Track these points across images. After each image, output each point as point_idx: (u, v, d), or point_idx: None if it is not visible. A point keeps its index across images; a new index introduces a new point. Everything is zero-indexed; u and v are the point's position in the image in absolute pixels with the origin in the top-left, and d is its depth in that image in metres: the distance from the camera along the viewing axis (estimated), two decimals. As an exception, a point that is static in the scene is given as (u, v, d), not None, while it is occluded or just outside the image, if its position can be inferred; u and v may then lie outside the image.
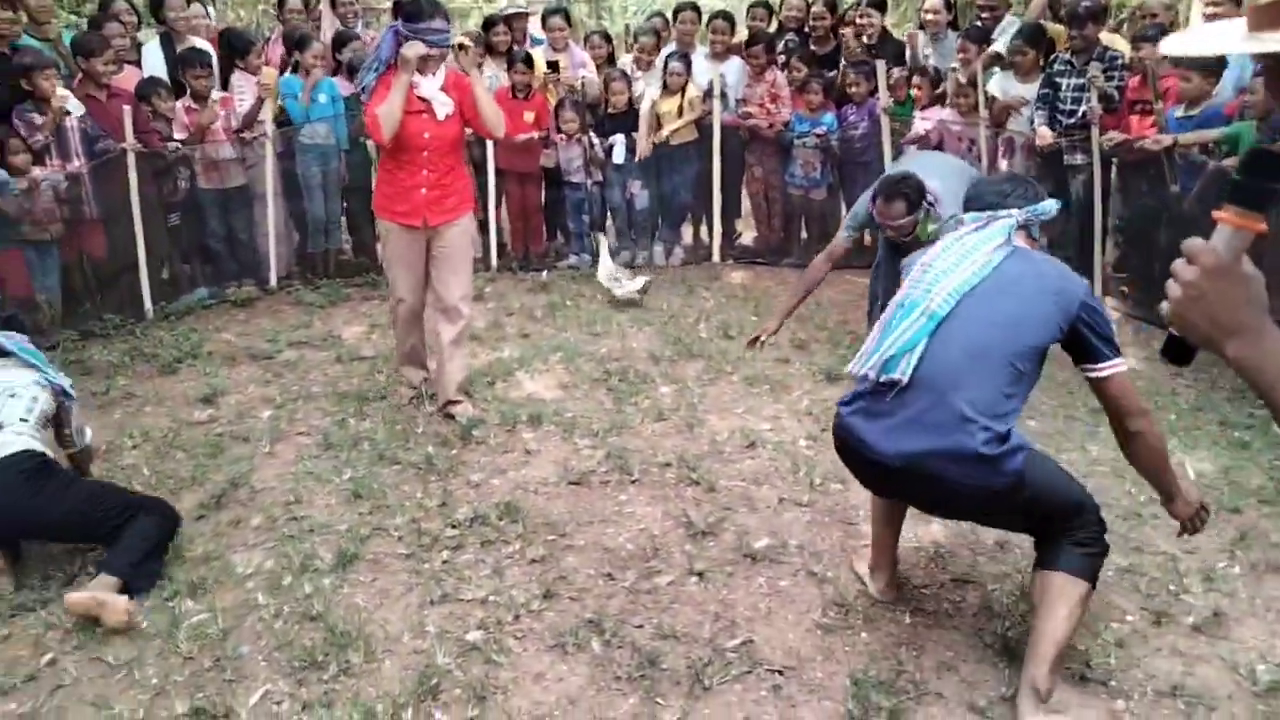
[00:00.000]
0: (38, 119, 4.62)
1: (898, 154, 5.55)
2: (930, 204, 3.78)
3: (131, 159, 4.97)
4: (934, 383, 2.22)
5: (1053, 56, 5.32)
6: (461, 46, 3.71)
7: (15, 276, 4.67)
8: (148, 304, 5.19)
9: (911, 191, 3.74)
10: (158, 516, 2.92)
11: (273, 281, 5.66)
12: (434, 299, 3.89)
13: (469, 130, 3.89)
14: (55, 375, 3.17)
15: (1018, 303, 2.25)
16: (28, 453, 2.85)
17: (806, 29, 6.34)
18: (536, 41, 6.50)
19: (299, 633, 2.56)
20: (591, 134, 5.92)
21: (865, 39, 6.07)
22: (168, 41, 5.58)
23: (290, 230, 5.86)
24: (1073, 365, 2.31)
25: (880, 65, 5.68)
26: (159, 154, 5.14)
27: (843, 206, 5.82)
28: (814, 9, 6.26)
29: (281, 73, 5.74)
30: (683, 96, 5.92)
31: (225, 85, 5.58)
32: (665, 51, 6.20)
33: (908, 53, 6.14)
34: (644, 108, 5.91)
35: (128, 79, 5.25)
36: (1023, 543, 2.87)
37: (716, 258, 6.21)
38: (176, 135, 5.23)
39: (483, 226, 5.98)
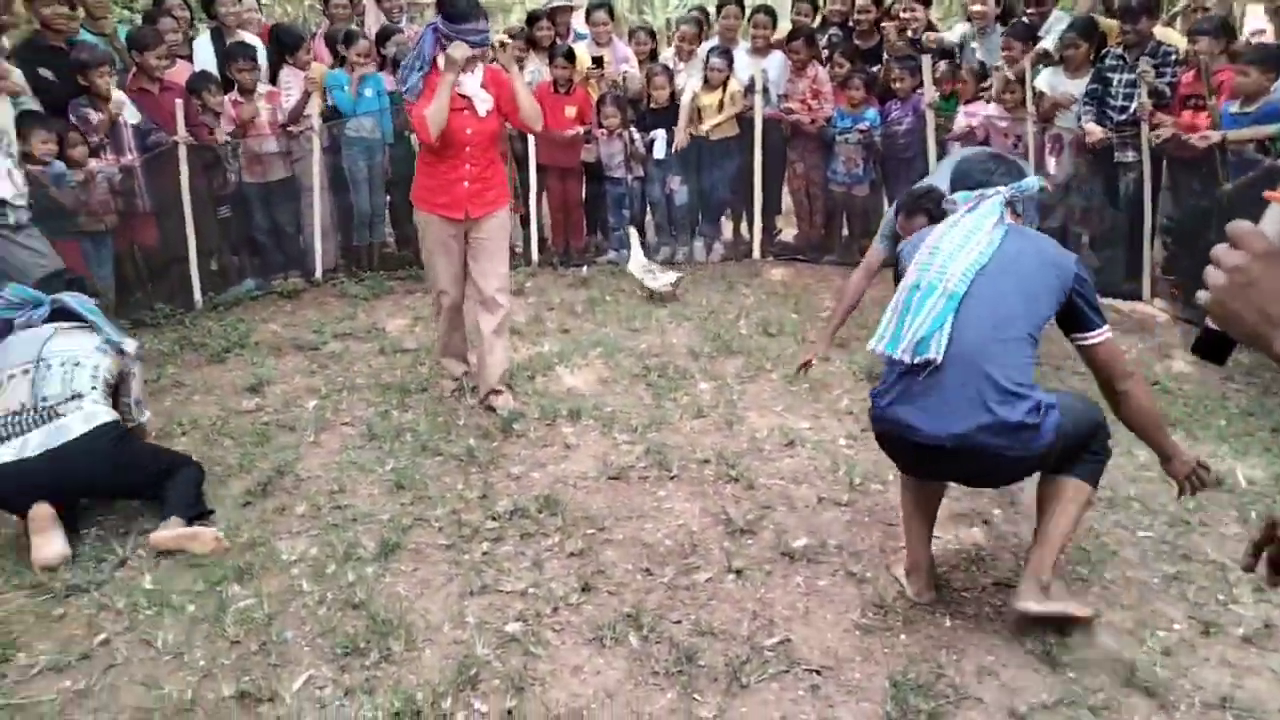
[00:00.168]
0: (93, 116, 4.73)
1: (942, 151, 5.47)
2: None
3: (183, 152, 5.07)
4: (966, 359, 2.33)
5: (1104, 51, 5.22)
6: (501, 44, 3.76)
7: (72, 266, 4.77)
8: (197, 294, 5.30)
9: (933, 205, 3.68)
10: (194, 467, 3.24)
11: (318, 273, 5.75)
12: (473, 291, 3.94)
13: (508, 125, 3.95)
14: (118, 336, 3.33)
15: (1026, 278, 2.39)
16: (114, 422, 3.09)
17: (850, 23, 6.27)
18: (580, 36, 6.51)
19: (342, 619, 2.60)
20: (633, 129, 5.92)
21: (910, 33, 6.00)
22: (218, 36, 5.69)
23: (335, 223, 5.95)
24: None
25: (925, 60, 5.60)
26: (208, 147, 5.24)
27: (885, 203, 5.76)
28: (859, 2, 6.19)
29: (331, 67, 5.82)
30: (724, 91, 5.90)
31: (275, 80, 5.68)
32: (707, 44, 6.18)
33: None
34: (684, 98, 5.90)
35: (179, 73, 5.35)
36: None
37: (757, 254, 6.19)
38: (222, 128, 5.33)
39: (524, 221, 6.03)
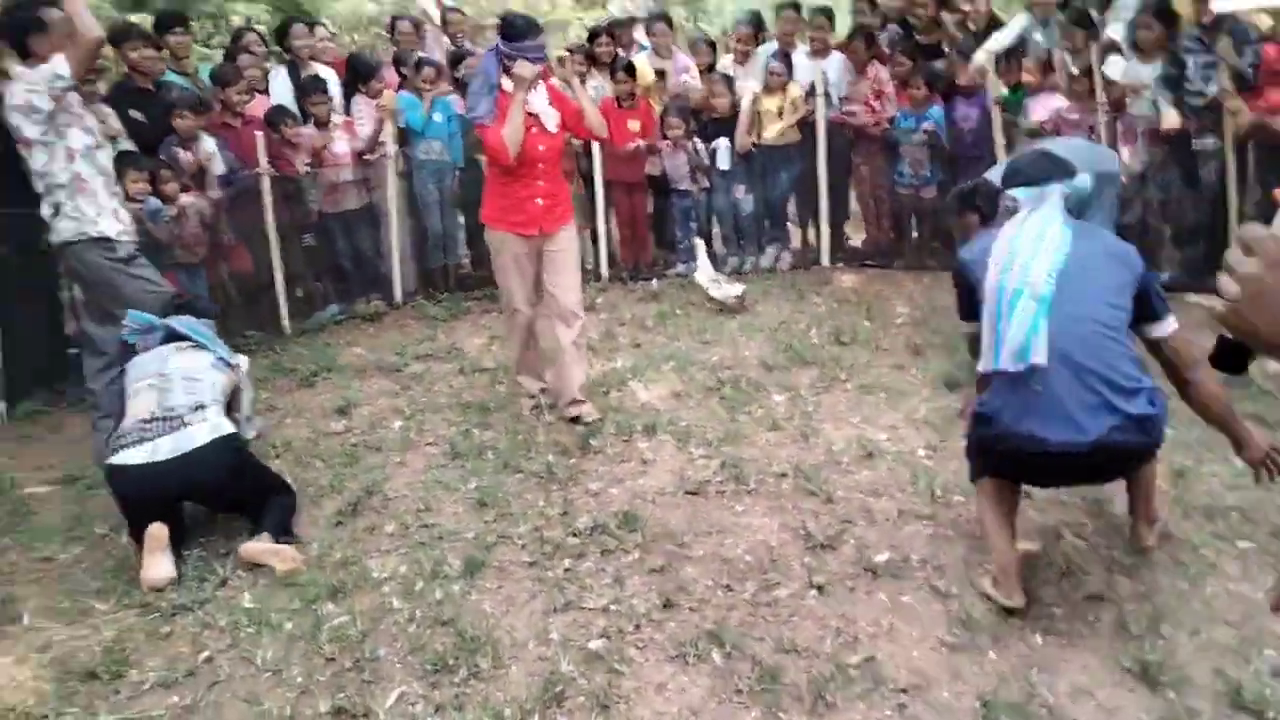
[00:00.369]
0: (183, 156, 4.96)
1: (1011, 147, 5.30)
2: None
3: (266, 184, 5.28)
4: (1072, 362, 2.35)
5: (1178, 33, 5.00)
6: (560, 59, 3.85)
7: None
8: (285, 321, 5.50)
9: (984, 201, 3.54)
10: (291, 495, 3.40)
11: (398, 296, 5.90)
12: (549, 306, 4.00)
13: (576, 140, 4.02)
14: (228, 354, 3.58)
15: (1104, 273, 2.45)
16: (235, 434, 3.30)
17: (910, 19, 6.14)
18: (642, 48, 6.56)
19: (431, 637, 2.67)
20: (696, 140, 5.93)
21: (970, 25, 5.85)
22: (293, 69, 5.89)
23: (412, 246, 6.09)
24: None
25: (983, 52, 5.45)
26: (290, 178, 5.44)
27: (956, 205, 5.64)
28: None
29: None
30: (784, 96, 5.87)
31: (348, 110, 5.85)
32: (764, 47, 6.13)
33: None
34: (744, 102, 5.87)
35: (257, 106, 5.55)
36: (1161, 560, 2.76)
37: (825, 261, 6.12)
38: (299, 159, 5.52)
39: (593, 237, 6.09)
